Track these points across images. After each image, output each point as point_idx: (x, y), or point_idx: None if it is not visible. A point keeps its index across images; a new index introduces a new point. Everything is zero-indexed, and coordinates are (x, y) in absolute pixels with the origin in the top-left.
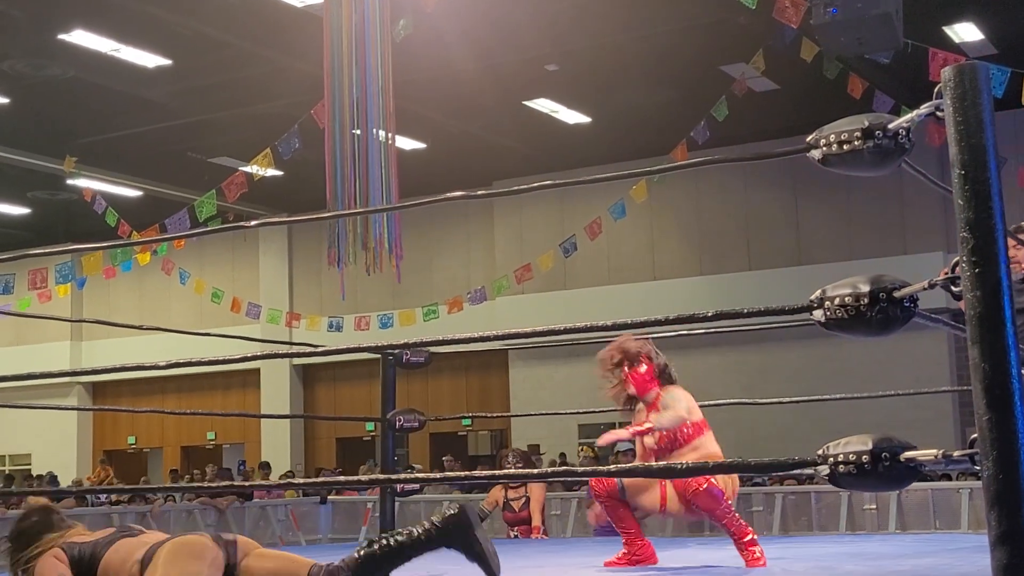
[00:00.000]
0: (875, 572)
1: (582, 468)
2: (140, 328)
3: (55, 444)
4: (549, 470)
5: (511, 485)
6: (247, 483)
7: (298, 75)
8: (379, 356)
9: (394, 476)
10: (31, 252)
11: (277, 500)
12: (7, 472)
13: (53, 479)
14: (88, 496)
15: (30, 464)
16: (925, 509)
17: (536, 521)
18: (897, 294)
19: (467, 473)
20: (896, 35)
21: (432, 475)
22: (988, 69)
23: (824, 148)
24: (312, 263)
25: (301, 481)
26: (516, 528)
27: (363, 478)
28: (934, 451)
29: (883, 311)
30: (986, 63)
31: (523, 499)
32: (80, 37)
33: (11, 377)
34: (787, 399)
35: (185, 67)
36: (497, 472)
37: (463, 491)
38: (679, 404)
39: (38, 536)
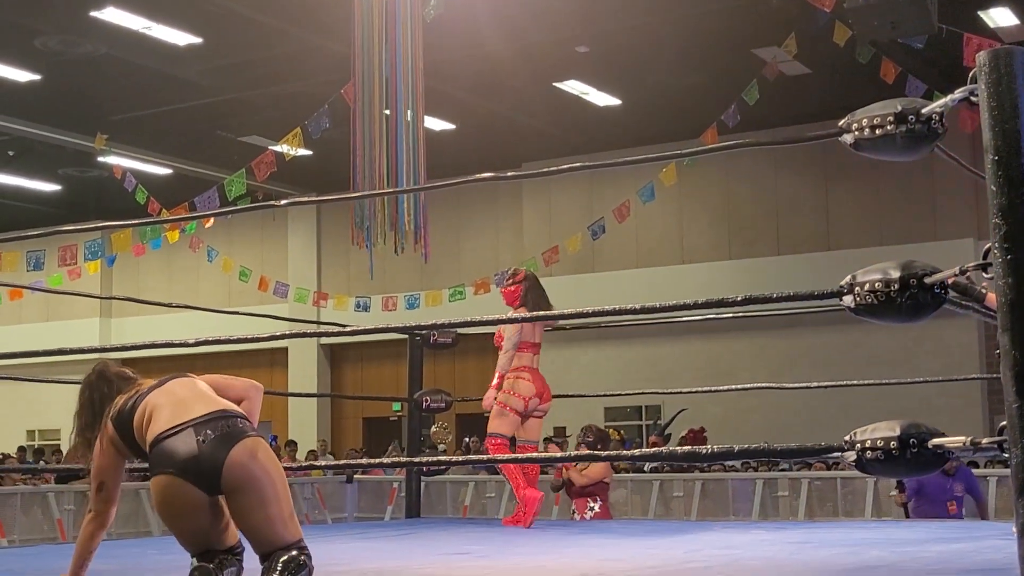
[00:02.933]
0: (901, 558)
1: (606, 453)
2: (169, 306)
3: None
4: (572, 454)
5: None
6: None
7: (328, 54)
8: (407, 336)
9: (417, 459)
10: (61, 229)
11: (303, 479)
12: (35, 447)
13: None
14: None
15: (59, 439)
16: None
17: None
18: (928, 280)
19: (490, 457)
20: (930, 19)
21: (455, 458)
22: None
23: (856, 132)
24: (340, 243)
25: (323, 464)
26: (576, 504)
27: (386, 461)
28: (962, 438)
29: (913, 297)
30: (1022, 48)
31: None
32: (112, 14)
33: (42, 352)
34: (815, 384)
35: (216, 45)
36: (520, 456)
37: (489, 472)
38: (507, 337)
39: (101, 409)
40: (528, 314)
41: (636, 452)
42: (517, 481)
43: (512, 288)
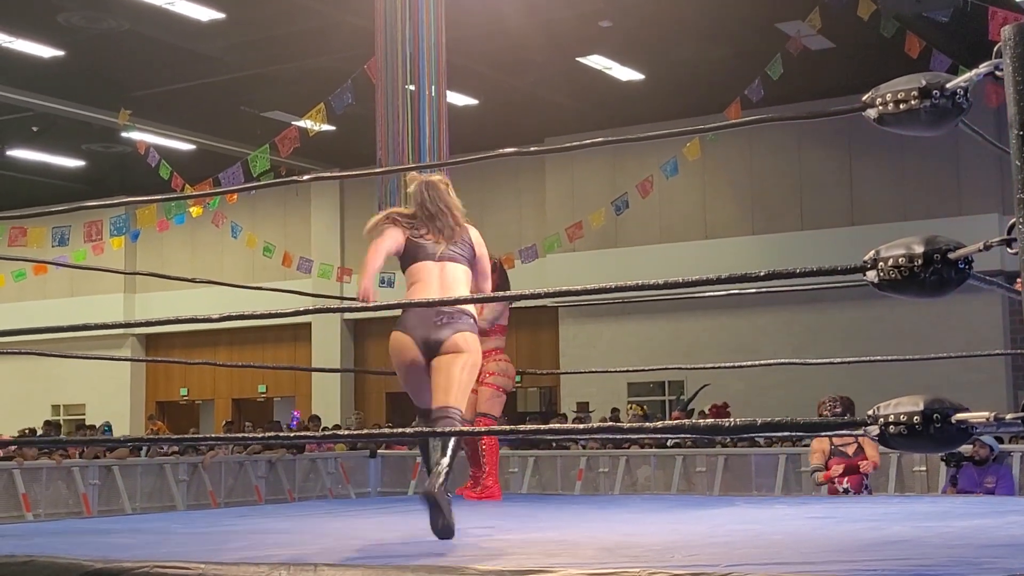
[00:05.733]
0: (923, 533)
1: (628, 424)
2: (193, 281)
3: (109, 395)
4: (596, 425)
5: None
6: (291, 435)
7: (352, 29)
8: None
9: (436, 431)
10: (86, 204)
11: (327, 453)
12: (60, 421)
13: (108, 429)
14: (141, 447)
15: (84, 414)
16: None
17: (867, 468)
18: (952, 255)
19: (511, 427)
20: None
21: (478, 429)
22: None
23: (880, 107)
24: (364, 218)
25: (346, 433)
26: (846, 479)
27: (409, 431)
28: (986, 414)
29: (937, 272)
30: None
31: (855, 445)
32: None
33: (67, 328)
34: (838, 360)
35: (239, 20)
36: (542, 427)
37: (511, 447)
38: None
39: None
40: (547, 291)
41: (659, 424)
42: (490, 464)
43: None
